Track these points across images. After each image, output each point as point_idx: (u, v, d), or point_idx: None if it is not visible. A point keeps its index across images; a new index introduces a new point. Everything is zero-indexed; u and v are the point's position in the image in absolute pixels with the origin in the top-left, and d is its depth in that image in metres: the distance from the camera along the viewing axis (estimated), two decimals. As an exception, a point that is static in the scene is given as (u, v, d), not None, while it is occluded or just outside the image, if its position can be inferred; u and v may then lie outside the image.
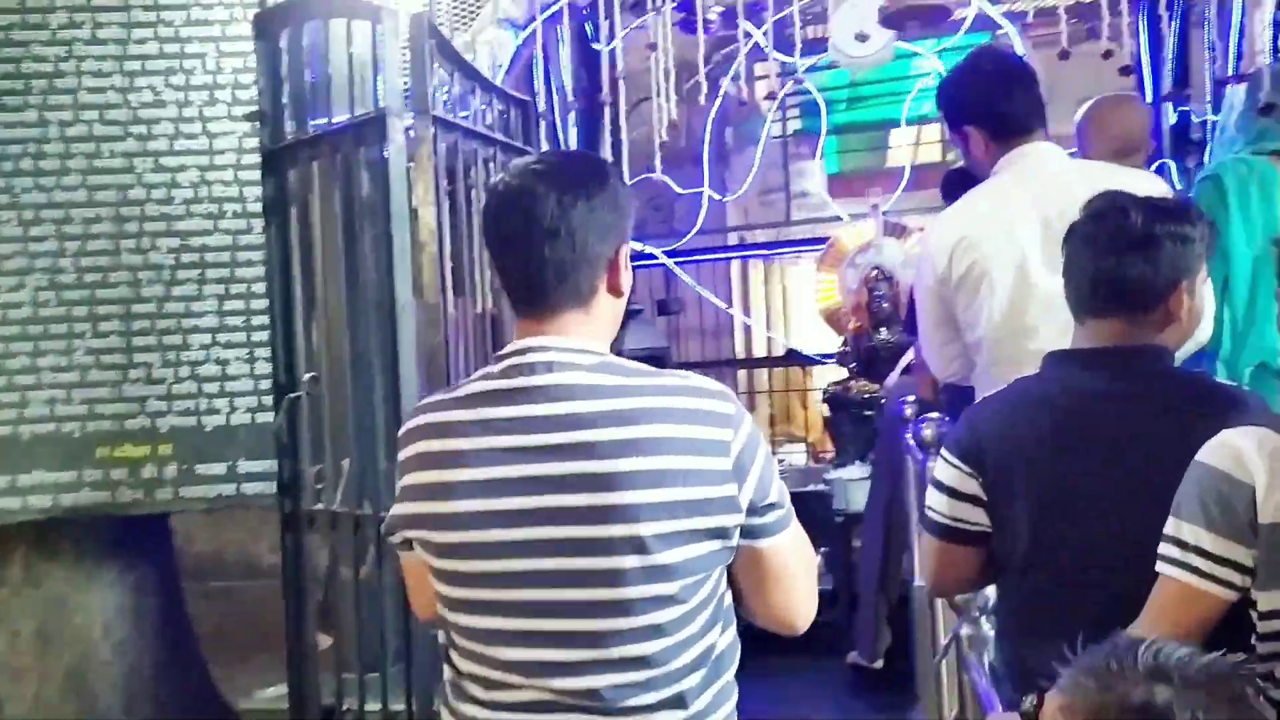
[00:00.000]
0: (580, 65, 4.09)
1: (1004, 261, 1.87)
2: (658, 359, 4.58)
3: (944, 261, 1.93)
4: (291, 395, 2.35)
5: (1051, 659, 1.39)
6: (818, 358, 4.90)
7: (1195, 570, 1.14)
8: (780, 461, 5.20)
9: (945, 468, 1.51)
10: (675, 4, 3.50)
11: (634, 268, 3.66)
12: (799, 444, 6.19)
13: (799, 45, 3.36)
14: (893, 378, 3.51)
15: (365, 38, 2.20)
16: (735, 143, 5.94)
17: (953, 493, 1.49)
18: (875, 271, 3.91)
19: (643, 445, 1.08)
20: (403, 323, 1.99)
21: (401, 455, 1.21)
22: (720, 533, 1.10)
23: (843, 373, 4.10)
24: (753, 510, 1.12)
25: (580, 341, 1.15)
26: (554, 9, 2.52)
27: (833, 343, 4.51)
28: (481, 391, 1.16)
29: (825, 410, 4.02)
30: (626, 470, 1.07)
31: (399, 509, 1.20)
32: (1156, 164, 4.48)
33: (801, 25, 5.69)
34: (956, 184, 2.88)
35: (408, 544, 1.22)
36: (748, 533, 1.13)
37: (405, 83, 2.11)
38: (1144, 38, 4.61)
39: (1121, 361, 1.41)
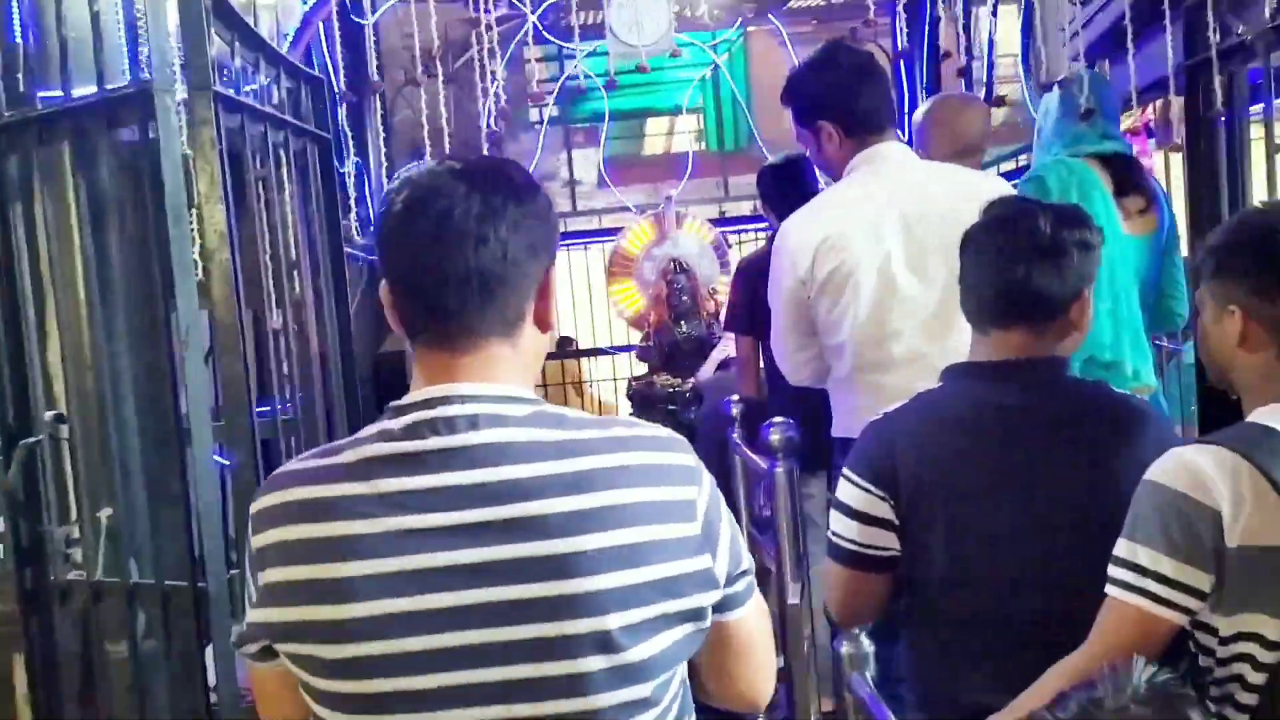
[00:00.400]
0: (344, 44, 3.70)
1: (869, 263, 1.81)
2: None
3: (806, 263, 1.84)
4: (27, 441, 1.88)
5: (976, 687, 1.34)
6: (609, 349, 4.80)
7: (1153, 596, 1.10)
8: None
9: (853, 490, 1.40)
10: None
11: None
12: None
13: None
14: (706, 371, 3.46)
15: (112, -8, 1.78)
16: (507, 129, 5.69)
17: (864, 517, 1.39)
18: (673, 264, 3.84)
19: (602, 516, 0.87)
20: (190, 345, 1.61)
21: (258, 543, 0.93)
22: (695, 615, 0.92)
23: (638, 366, 4.01)
24: (727, 581, 0.95)
25: (506, 386, 0.93)
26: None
27: (608, 328, 4.40)
28: (379, 456, 0.90)
29: (628, 406, 3.92)
30: (586, 549, 0.86)
31: (261, 615, 0.91)
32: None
33: (572, 11, 5.51)
34: (772, 180, 2.85)
35: (267, 653, 0.94)
36: (718, 607, 0.95)
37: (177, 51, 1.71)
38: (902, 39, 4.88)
39: (1028, 375, 1.37)
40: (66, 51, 1.82)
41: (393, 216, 0.93)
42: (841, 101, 1.89)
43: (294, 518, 0.90)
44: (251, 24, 1.90)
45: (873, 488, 1.38)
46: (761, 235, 5.63)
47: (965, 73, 4.34)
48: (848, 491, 1.41)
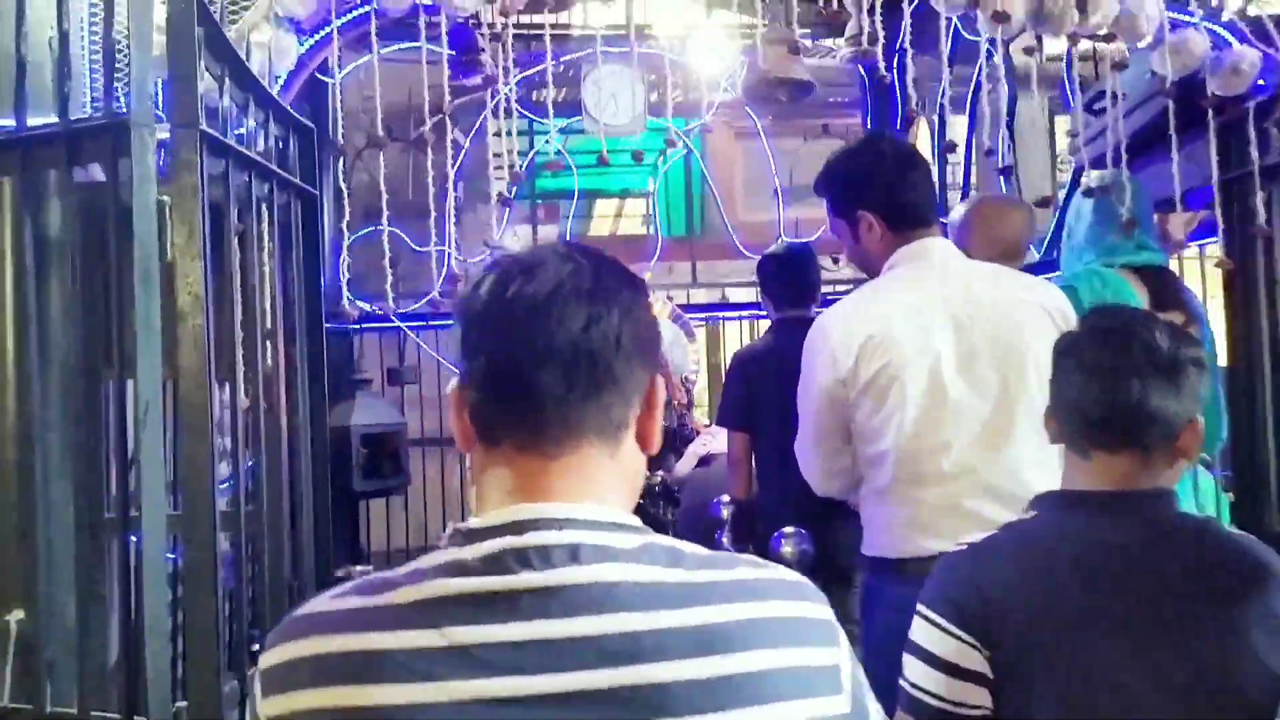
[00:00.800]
0: (302, 97, 3.51)
1: (918, 366, 1.65)
2: (391, 435, 3.99)
3: (848, 363, 1.68)
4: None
5: None
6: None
7: None
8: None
9: (937, 635, 1.21)
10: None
11: (364, 330, 3.03)
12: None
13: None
14: (684, 467, 3.26)
15: (83, 12, 1.56)
16: (466, 199, 5.51)
17: (952, 669, 1.19)
18: (645, 350, 3.68)
19: (738, 689, 0.69)
20: (149, 424, 1.35)
21: (273, 710, 0.71)
22: None
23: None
24: None
25: (610, 509, 0.75)
26: (355, 13, 1.98)
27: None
28: (451, 596, 0.70)
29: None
30: None
31: None
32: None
33: (540, 87, 5.40)
34: (774, 269, 2.72)
35: None
36: None
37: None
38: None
39: (1139, 509, 1.20)
40: (24, 75, 1.59)
41: (484, 291, 0.77)
42: (884, 191, 1.76)
43: (330, 677, 0.68)
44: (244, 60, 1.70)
45: (963, 634, 1.19)
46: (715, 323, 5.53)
47: (940, 173, 4.34)
48: (929, 636, 1.21)
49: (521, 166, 5.14)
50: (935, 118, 4.23)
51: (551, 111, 2.07)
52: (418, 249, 4.54)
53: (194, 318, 1.40)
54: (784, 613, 0.74)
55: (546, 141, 4.73)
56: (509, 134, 2.02)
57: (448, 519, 4.68)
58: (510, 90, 2.04)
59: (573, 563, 0.70)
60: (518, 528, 0.72)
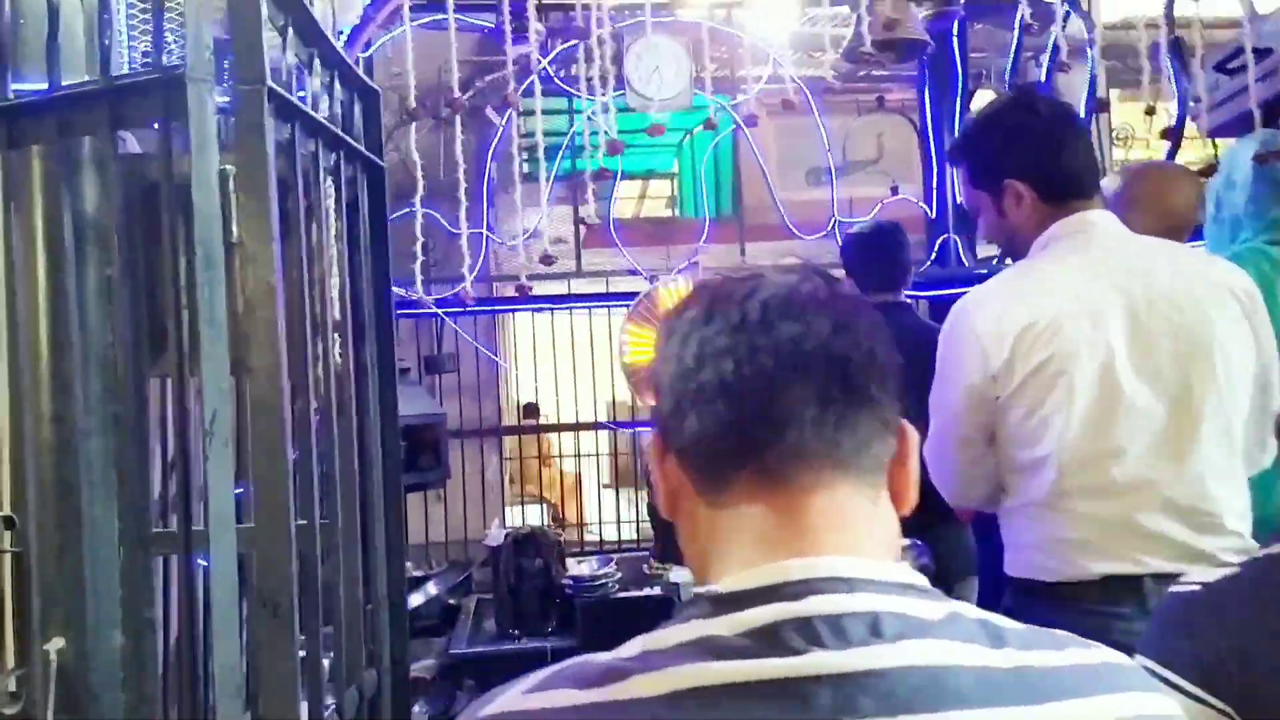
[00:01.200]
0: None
1: (1088, 360, 1.44)
2: (431, 426, 3.80)
3: (1002, 354, 1.47)
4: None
5: None
6: (599, 424, 4.39)
7: None
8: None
9: (1174, 699, 1.01)
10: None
11: (399, 317, 2.73)
12: (539, 504, 5.76)
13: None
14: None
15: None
16: (499, 179, 5.28)
17: None
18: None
19: None
20: (216, 436, 1.15)
21: None
22: None
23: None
24: None
25: (896, 567, 0.61)
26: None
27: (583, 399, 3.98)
28: (714, 687, 0.52)
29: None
30: None
31: None
32: (942, 238, 4.49)
33: (578, 63, 5.20)
34: (858, 249, 2.51)
35: None
36: None
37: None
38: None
39: None
40: (57, 29, 1.37)
41: (699, 307, 0.64)
42: (1040, 156, 1.55)
43: None
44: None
45: (1210, 698, 0.98)
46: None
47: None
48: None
49: (566, 142, 4.91)
50: (1004, 88, 4.00)
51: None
52: (453, 230, 4.34)
53: (266, 309, 1.19)
54: (1137, 710, 0.57)
55: (589, 117, 4.52)
56: (605, 110, 1.80)
57: (486, 513, 4.49)
58: (605, 59, 1.82)
59: (875, 639, 0.54)
60: (792, 591, 0.54)
